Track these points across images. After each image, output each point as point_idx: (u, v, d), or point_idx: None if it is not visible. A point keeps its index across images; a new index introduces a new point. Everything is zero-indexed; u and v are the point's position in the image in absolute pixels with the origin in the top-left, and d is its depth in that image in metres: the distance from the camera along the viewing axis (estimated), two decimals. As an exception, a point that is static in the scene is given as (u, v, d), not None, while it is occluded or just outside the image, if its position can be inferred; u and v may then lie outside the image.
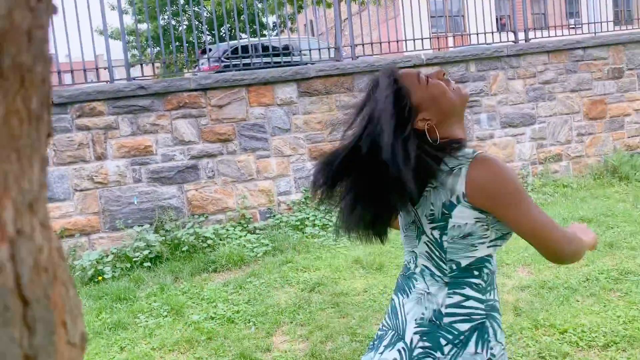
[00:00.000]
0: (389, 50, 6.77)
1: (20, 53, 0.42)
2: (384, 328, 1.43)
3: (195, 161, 5.58)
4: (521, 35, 7.04)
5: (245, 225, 5.58)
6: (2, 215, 0.40)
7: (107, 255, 5.02)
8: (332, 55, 6.81)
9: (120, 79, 5.76)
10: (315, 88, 5.92)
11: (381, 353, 1.36)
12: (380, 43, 6.66)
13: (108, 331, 3.68)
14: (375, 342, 1.42)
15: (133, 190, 5.39)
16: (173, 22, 12.19)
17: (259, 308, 3.83)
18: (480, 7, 7.14)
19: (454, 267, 1.30)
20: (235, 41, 7.86)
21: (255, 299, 4.01)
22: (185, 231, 5.22)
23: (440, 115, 1.31)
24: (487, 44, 6.80)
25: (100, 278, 4.73)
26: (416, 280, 1.36)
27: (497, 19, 10.60)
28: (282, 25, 10.40)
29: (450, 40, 10.75)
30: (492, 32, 6.93)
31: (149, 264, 4.89)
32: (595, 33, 7.42)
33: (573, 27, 8.28)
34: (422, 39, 6.74)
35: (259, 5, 11.64)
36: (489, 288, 1.32)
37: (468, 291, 1.29)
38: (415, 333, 1.30)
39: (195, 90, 5.57)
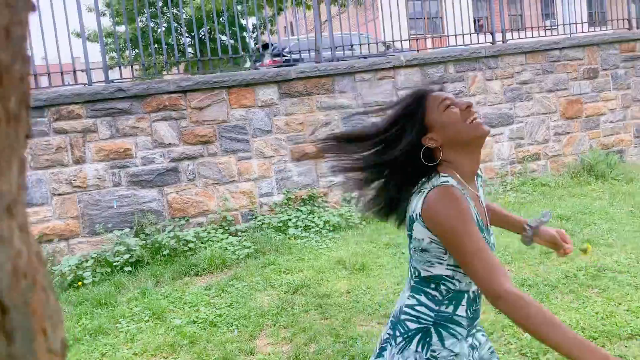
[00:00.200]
0: (369, 51, 6.80)
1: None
2: None
3: (175, 164, 5.53)
4: (498, 37, 7.13)
5: (226, 228, 5.54)
6: (-21, 220, 0.39)
7: (87, 260, 4.94)
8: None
9: (99, 82, 5.68)
10: (296, 89, 5.92)
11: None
12: (360, 45, 6.68)
13: (89, 337, 3.63)
14: None
15: (113, 194, 5.32)
16: (152, 24, 12.07)
17: (242, 311, 3.81)
18: (459, 9, 7.22)
19: (416, 273, 1.47)
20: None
21: (238, 302, 3.98)
22: (166, 235, 5.17)
23: (446, 140, 1.45)
24: (465, 46, 6.87)
25: (80, 283, 4.65)
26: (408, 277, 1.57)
27: (474, 20, 10.71)
28: (262, 27, 10.39)
29: (429, 42, 10.83)
30: (470, 34, 7.01)
31: (129, 268, 4.83)
32: (570, 34, 7.54)
33: (549, 28, 8.39)
34: (401, 41, 6.79)
35: (239, 8, 11.61)
36: (446, 302, 1.43)
37: (422, 298, 1.45)
38: (389, 321, 1.54)
39: (175, 92, 5.52)
